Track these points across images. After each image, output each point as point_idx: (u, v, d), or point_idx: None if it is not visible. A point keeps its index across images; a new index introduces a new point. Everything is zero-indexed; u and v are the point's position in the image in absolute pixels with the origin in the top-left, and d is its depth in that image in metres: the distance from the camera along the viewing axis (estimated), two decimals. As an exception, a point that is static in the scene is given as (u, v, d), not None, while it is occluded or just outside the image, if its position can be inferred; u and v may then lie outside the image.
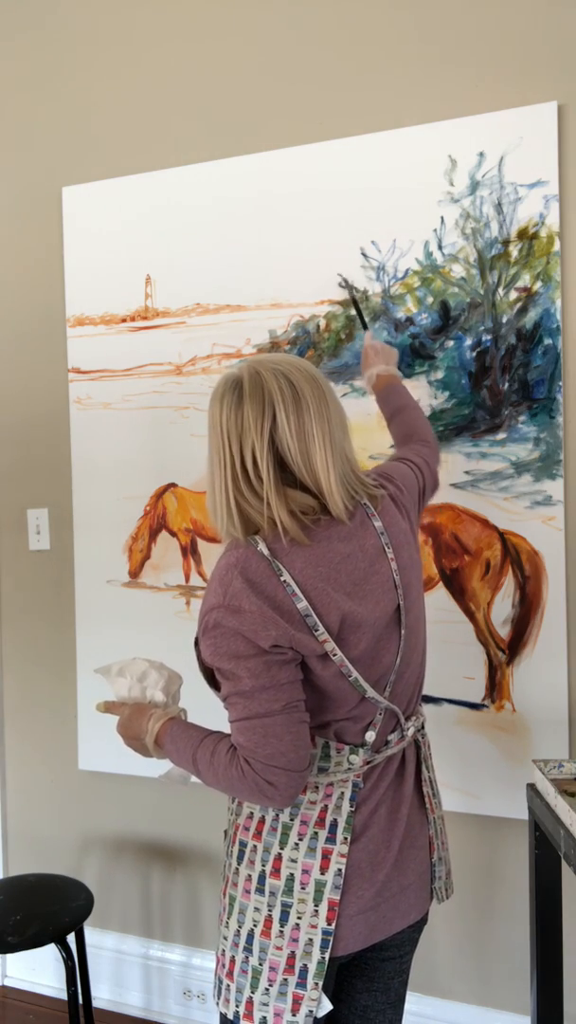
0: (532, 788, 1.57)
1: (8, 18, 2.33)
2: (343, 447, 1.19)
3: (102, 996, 2.28)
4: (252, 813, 1.22)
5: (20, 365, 2.35)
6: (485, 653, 1.85)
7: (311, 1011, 1.14)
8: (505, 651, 1.84)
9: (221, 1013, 1.22)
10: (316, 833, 1.17)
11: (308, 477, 1.15)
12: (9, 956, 2.42)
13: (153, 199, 2.13)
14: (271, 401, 1.14)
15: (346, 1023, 1.33)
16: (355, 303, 1.87)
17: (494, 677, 1.85)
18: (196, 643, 1.18)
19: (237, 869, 1.22)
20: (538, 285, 1.78)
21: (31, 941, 1.74)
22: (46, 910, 1.84)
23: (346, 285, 1.80)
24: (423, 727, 1.32)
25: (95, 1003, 2.27)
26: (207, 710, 1.33)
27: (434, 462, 1.52)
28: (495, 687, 1.85)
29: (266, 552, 1.12)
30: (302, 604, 1.10)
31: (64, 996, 2.31)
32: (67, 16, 2.25)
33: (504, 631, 1.84)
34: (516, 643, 1.83)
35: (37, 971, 2.38)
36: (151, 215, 2.13)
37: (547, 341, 1.78)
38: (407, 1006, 1.91)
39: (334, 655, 1.12)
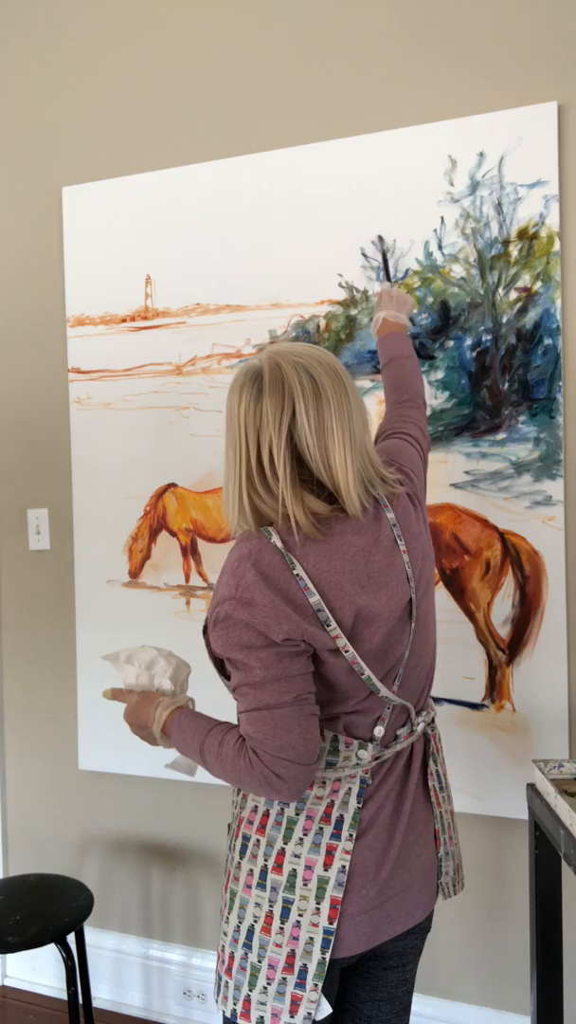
0: (532, 788, 1.57)
1: (9, 19, 2.33)
2: (363, 441, 1.16)
3: (102, 996, 2.28)
4: (256, 807, 1.21)
5: (20, 365, 2.35)
6: (485, 653, 1.85)
7: (310, 1013, 1.13)
8: (505, 651, 1.84)
9: (222, 1011, 1.21)
10: (321, 829, 1.16)
11: (325, 474, 1.12)
12: (9, 956, 2.42)
13: (153, 199, 2.13)
14: (291, 395, 1.11)
15: None
16: (384, 256, 1.86)
17: (494, 677, 1.85)
18: (204, 631, 1.16)
19: (239, 863, 1.21)
20: (538, 285, 1.78)
21: (31, 941, 1.74)
22: (46, 910, 1.84)
23: (379, 245, 1.81)
24: (433, 721, 1.30)
25: (95, 1003, 2.27)
26: (216, 700, 1.33)
27: (425, 423, 1.49)
28: (495, 687, 1.85)
29: (280, 545, 1.10)
30: (315, 599, 1.09)
31: (64, 996, 2.31)
32: (67, 16, 2.25)
33: (504, 631, 1.84)
34: (516, 643, 1.83)
35: (37, 971, 2.38)
36: (151, 215, 2.13)
37: (547, 341, 1.78)
38: (407, 1006, 1.91)
39: (346, 651, 1.11)
